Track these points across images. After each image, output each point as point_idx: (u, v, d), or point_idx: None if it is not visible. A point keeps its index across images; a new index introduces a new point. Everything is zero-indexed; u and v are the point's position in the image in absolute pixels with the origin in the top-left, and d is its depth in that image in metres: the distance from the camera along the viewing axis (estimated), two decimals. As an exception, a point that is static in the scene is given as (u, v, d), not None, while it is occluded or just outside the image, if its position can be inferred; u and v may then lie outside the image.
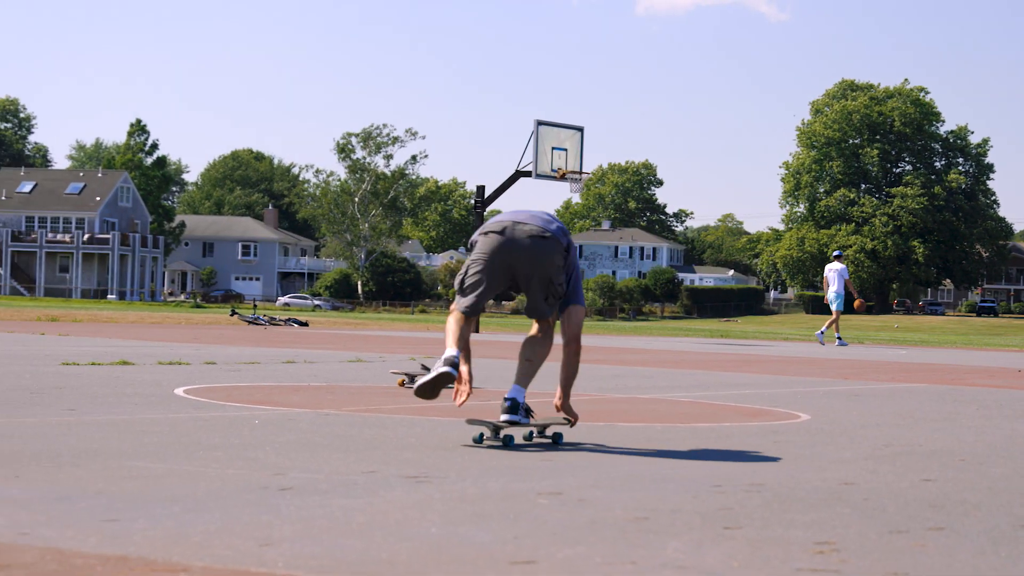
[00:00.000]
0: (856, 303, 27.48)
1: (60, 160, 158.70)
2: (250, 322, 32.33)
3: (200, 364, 12.27)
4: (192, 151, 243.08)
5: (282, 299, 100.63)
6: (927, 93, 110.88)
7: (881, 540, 3.82)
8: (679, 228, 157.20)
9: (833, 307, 27.45)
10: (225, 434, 6.13)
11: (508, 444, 5.95)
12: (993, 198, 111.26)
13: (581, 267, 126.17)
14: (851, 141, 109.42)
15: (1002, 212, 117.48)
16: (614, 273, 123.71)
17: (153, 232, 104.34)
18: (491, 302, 6.93)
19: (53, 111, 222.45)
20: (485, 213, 31.23)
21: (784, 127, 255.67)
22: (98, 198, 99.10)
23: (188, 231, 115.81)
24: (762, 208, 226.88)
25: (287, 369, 12.13)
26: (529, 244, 6.29)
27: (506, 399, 6.17)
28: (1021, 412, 9.67)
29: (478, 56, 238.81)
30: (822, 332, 28.07)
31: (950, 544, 3.81)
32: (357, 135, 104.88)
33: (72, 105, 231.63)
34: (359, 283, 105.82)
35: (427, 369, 9.89)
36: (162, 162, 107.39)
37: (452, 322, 6.21)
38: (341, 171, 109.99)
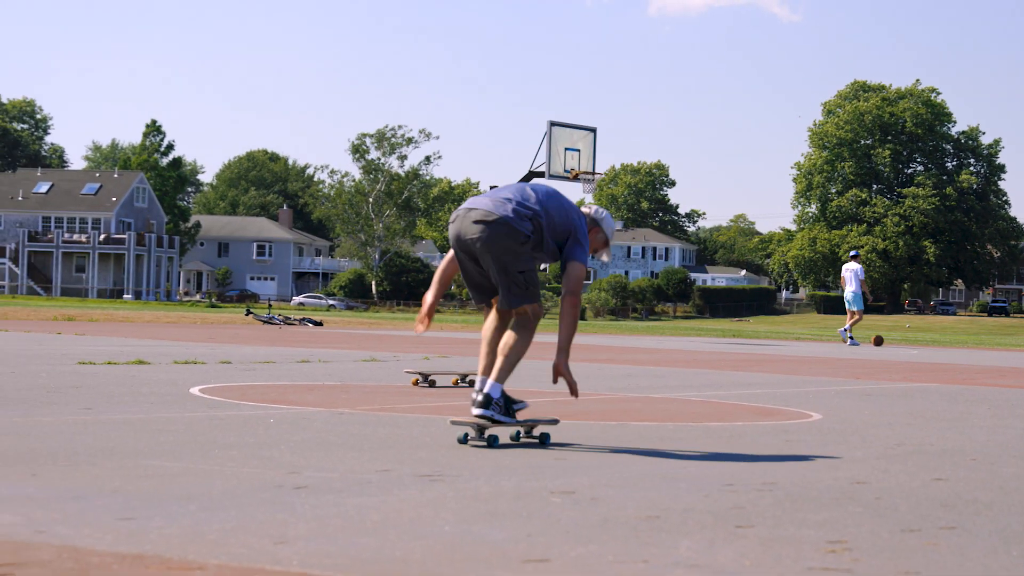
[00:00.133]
0: (874, 340, 28.10)
1: (76, 161, 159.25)
2: (265, 322, 32.40)
3: (215, 363, 12.31)
4: (207, 152, 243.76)
5: (297, 299, 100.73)
6: (938, 94, 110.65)
7: (893, 539, 3.83)
8: (691, 228, 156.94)
9: (853, 307, 27.53)
10: (240, 433, 6.16)
11: (493, 444, 5.87)
12: (1004, 198, 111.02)
13: (593, 266, 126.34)
14: (863, 142, 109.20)
15: (1013, 212, 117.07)
16: (627, 273, 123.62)
17: (169, 232, 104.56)
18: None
19: (69, 112, 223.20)
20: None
21: (796, 128, 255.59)
22: (114, 198, 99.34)
23: (203, 231, 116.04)
24: (774, 208, 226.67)
25: (302, 368, 12.16)
26: (476, 231, 5.97)
27: (479, 392, 5.98)
28: (1035, 412, 9.65)
29: (492, 58, 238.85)
30: (846, 330, 28.01)
31: (962, 543, 3.81)
32: (371, 136, 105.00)
33: (88, 106, 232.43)
34: (373, 283, 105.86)
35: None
36: (177, 163, 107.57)
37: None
38: (355, 172, 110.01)
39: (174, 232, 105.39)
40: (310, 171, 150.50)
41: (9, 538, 3.35)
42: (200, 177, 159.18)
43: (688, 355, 19.58)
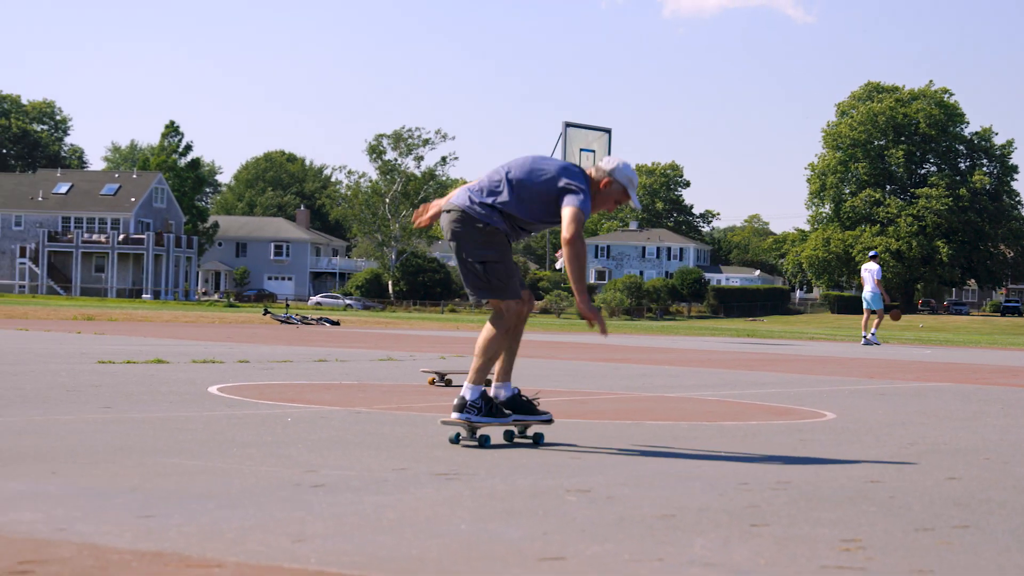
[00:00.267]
0: (891, 314, 27.66)
1: (96, 162, 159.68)
2: (282, 321, 32.46)
3: (233, 363, 12.36)
4: (225, 153, 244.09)
5: (314, 299, 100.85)
6: (951, 95, 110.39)
7: (907, 538, 3.84)
8: (706, 229, 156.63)
9: (872, 307, 27.49)
10: (258, 431, 6.19)
11: (484, 444, 5.87)
12: (1017, 199, 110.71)
13: (608, 266, 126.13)
14: (876, 142, 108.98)
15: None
16: (641, 273, 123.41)
17: (187, 232, 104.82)
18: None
19: (89, 113, 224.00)
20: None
21: (810, 129, 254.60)
22: (133, 199, 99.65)
23: (221, 231, 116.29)
24: (788, 209, 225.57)
25: (319, 368, 12.20)
26: (446, 226, 6.03)
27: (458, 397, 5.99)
28: (1051, 412, 9.63)
29: (507, 59, 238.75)
30: (873, 334, 27.93)
31: (975, 542, 3.82)
32: (388, 137, 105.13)
33: (107, 107, 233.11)
34: (390, 283, 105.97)
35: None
36: (196, 163, 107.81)
37: None
38: (372, 172, 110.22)
39: (192, 232, 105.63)
40: (327, 172, 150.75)
41: (30, 535, 3.38)
42: (218, 178, 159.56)
43: (702, 355, 19.57)
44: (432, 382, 10.07)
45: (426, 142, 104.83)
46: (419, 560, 3.27)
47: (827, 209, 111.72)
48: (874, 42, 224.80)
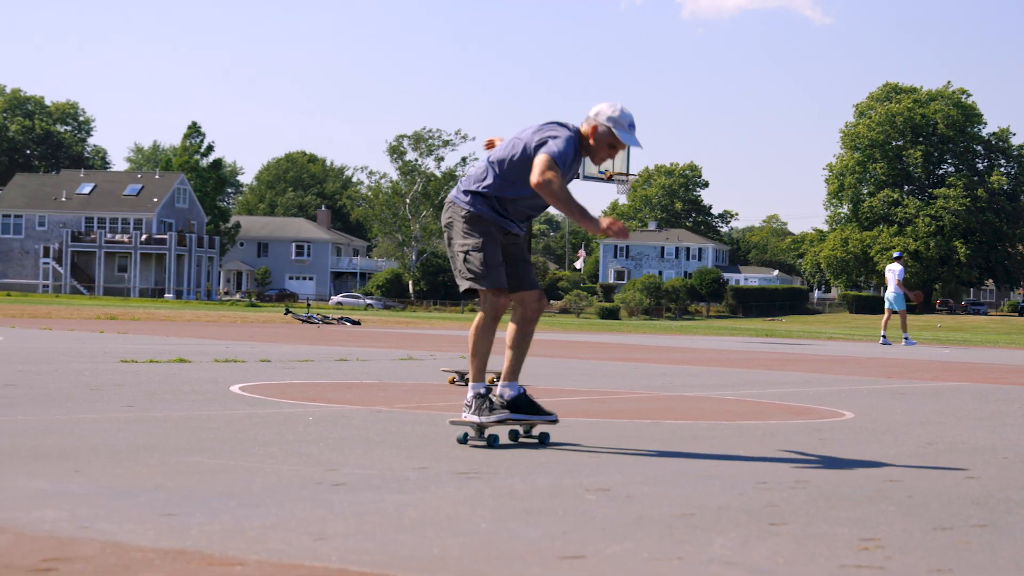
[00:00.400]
0: (913, 295, 27.58)
1: (118, 162, 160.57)
2: (304, 321, 32.54)
3: (255, 362, 12.40)
4: (247, 153, 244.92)
5: (335, 298, 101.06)
6: (969, 96, 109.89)
7: (925, 537, 3.84)
8: (724, 229, 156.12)
9: (894, 307, 27.48)
10: (280, 430, 6.22)
11: (493, 444, 5.86)
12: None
13: (628, 266, 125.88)
14: (894, 143, 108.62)
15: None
16: (660, 273, 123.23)
17: (209, 232, 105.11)
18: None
19: (112, 114, 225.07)
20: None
21: (828, 129, 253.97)
22: (155, 199, 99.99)
23: (243, 231, 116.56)
24: (806, 209, 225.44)
25: (340, 367, 12.23)
26: (442, 218, 6.15)
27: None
28: (1073, 412, 9.60)
29: (526, 59, 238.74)
30: (906, 336, 27.87)
31: (993, 541, 3.83)
32: (409, 137, 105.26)
33: (130, 108, 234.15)
34: (410, 283, 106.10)
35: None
36: (218, 164, 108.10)
37: None
38: (393, 173, 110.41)
39: (214, 232, 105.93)
40: (348, 172, 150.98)
41: (53, 534, 3.41)
42: (240, 178, 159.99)
43: (721, 354, 19.54)
44: (452, 381, 10.09)
45: (446, 143, 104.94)
46: (440, 559, 3.29)
47: (845, 209, 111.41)
48: (892, 43, 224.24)
